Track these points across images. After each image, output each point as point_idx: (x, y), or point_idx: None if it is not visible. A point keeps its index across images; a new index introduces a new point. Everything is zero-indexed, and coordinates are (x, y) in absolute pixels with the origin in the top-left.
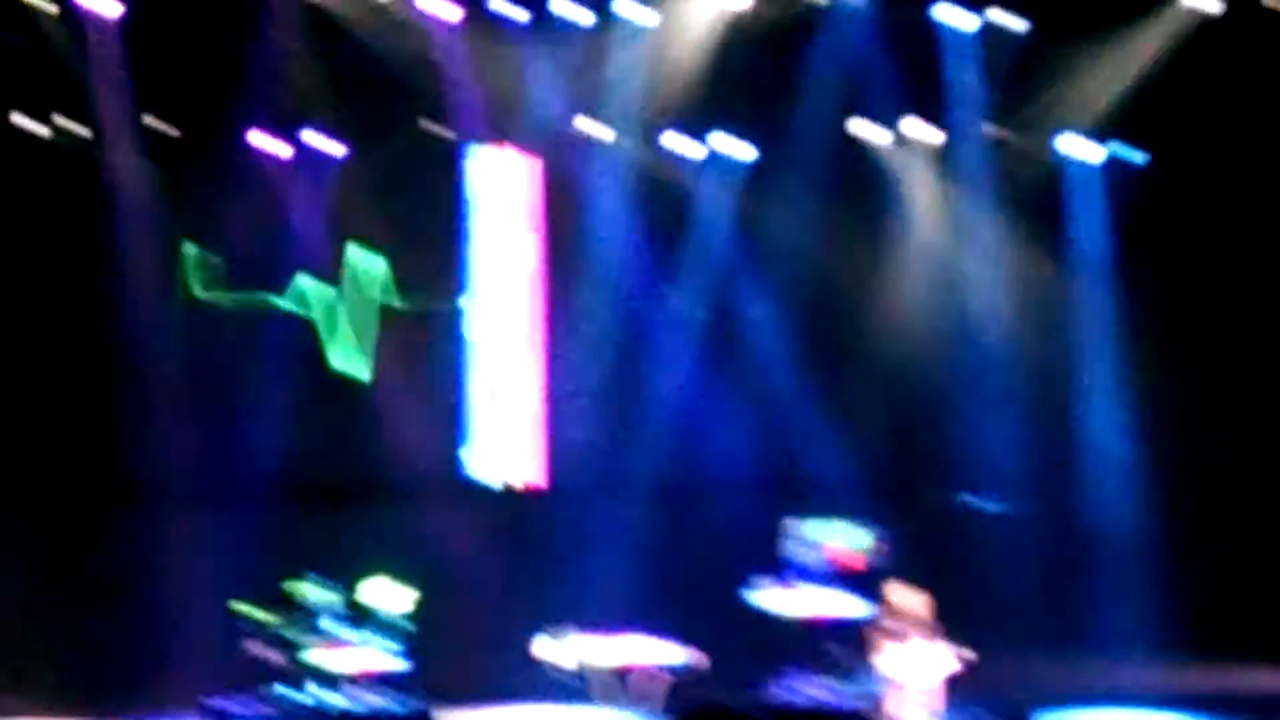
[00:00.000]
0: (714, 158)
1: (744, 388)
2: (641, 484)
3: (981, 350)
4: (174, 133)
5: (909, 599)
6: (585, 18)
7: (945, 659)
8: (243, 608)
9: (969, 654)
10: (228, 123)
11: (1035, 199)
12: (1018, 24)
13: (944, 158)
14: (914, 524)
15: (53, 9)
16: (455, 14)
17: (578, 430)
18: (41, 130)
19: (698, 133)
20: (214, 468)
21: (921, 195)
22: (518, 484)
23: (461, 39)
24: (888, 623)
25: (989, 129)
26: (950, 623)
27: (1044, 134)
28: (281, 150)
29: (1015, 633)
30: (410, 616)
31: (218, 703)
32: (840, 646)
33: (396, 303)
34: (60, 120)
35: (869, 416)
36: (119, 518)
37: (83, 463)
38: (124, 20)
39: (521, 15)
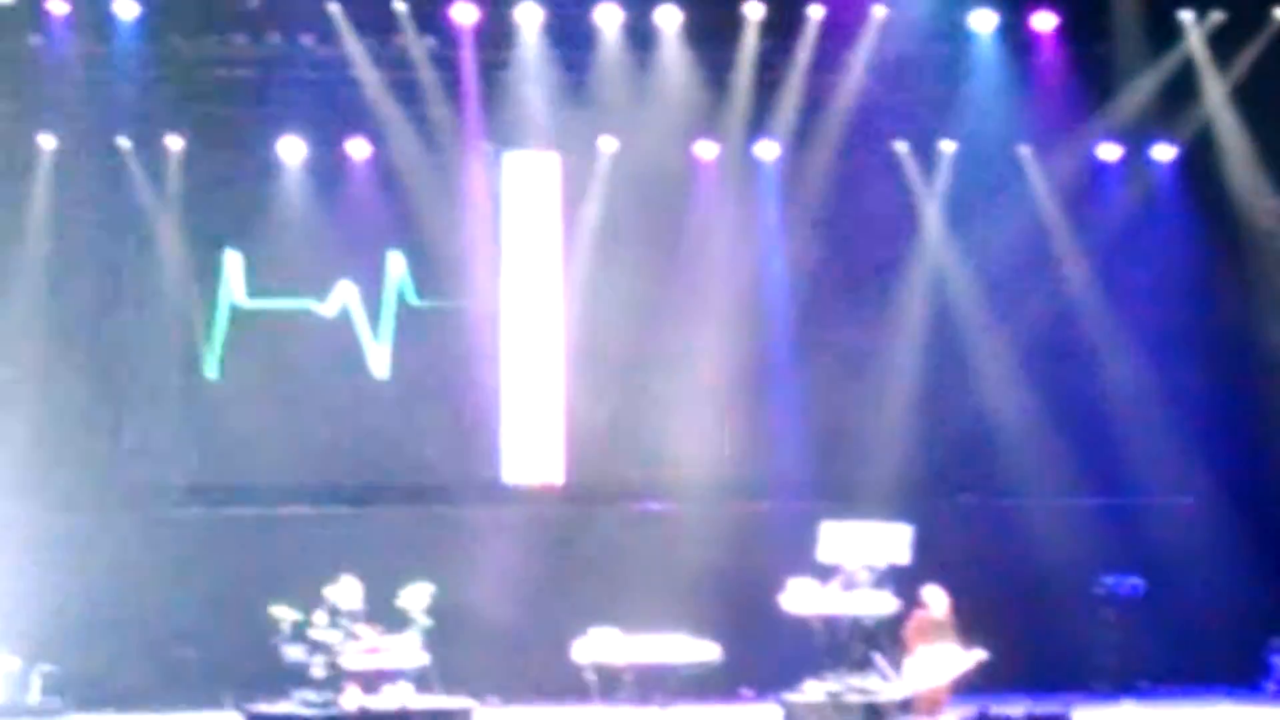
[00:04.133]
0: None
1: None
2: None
3: None
4: (203, 141)
5: (941, 601)
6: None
7: (965, 657)
8: (280, 611)
9: (983, 652)
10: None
11: None
12: None
13: None
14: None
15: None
16: (470, 15)
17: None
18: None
19: None
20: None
21: None
22: (548, 483)
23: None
24: (924, 625)
25: None
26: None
27: None
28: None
29: None
30: (446, 617)
31: (258, 706)
32: (870, 644)
33: (427, 304)
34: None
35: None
36: (153, 516)
37: (124, 460)
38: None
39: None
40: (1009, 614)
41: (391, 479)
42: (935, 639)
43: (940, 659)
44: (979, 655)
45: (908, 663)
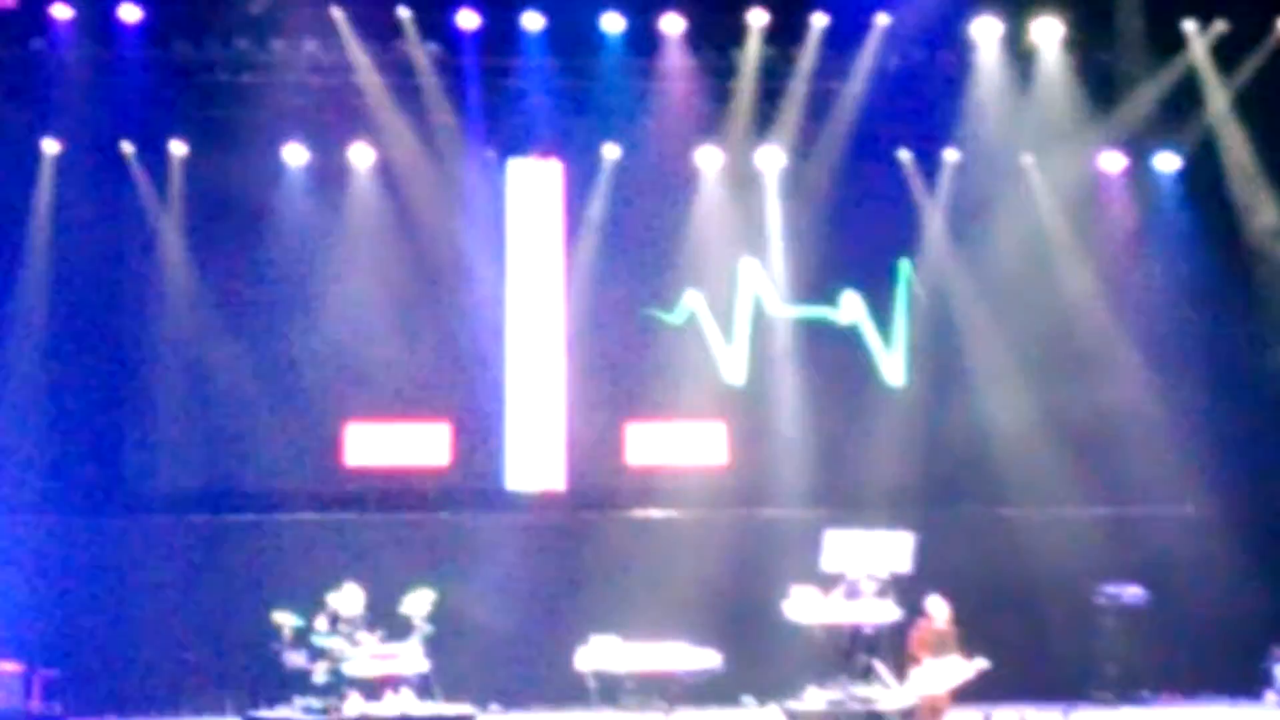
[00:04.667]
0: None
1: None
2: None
3: None
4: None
5: (944, 610)
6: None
7: (967, 667)
8: (282, 617)
9: (985, 662)
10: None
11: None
12: None
13: None
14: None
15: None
16: (474, 21)
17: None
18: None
19: None
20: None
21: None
22: (550, 489)
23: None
24: (927, 634)
25: None
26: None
27: None
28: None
29: None
30: (448, 624)
31: (259, 712)
32: (871, 653)
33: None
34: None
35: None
36: (155, 522)
37: (126, 465)
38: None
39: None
40: (1011, 622)
41: (393, 484)
42: (940, 650)
43: (944, 669)
44: (981, 664)
45: (913, 673)
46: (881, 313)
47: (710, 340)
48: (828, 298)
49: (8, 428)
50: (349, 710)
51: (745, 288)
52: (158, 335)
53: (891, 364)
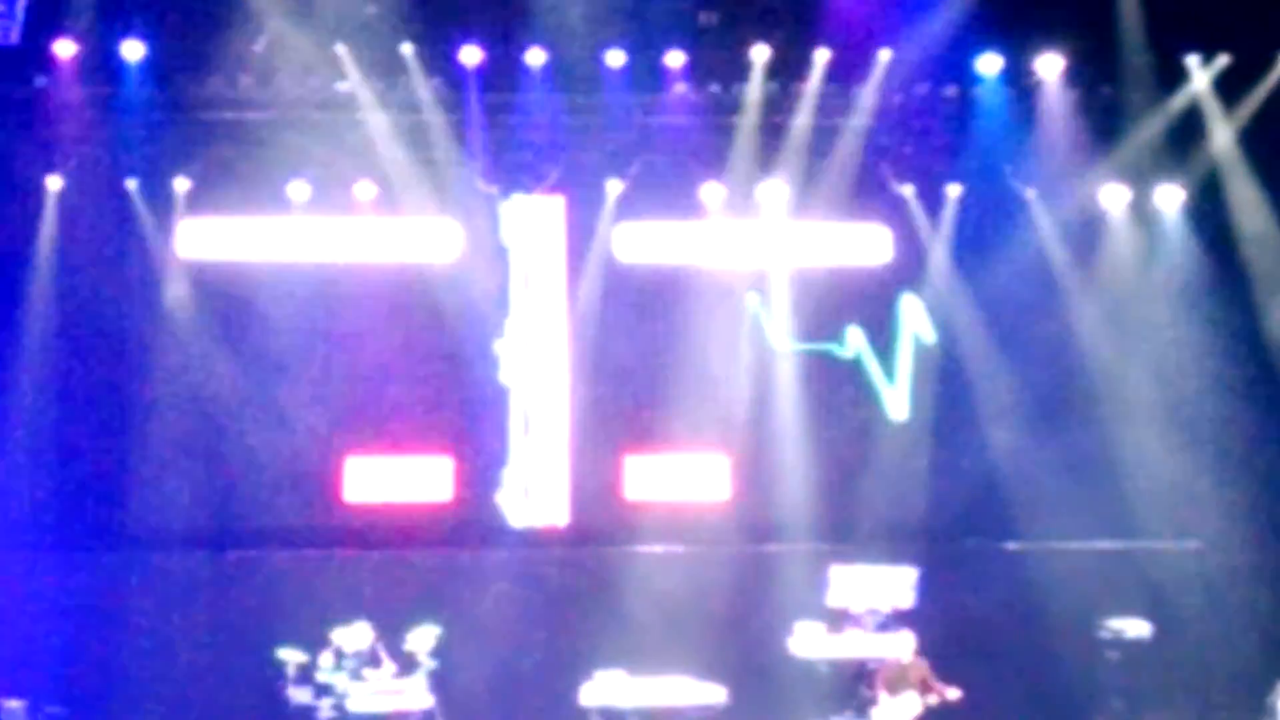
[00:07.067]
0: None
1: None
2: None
3: None
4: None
5: (907, 647)
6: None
7: (918, 703)
8: (286, 653)
9: (954, 692)
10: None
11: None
12: None
13: None
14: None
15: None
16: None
17: None
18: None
19: None
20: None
21: None
22: (553, 525)
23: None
24: (890, 670)
25: None
26: None
27: None
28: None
29: None
30: (452, 660)
31: None
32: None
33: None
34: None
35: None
36: (158, 559)
37: (131, 502)
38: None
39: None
40: (1015, 657)
41: (394, 521)
42: (895, 687)
43: (898, 707)
44: (949, 694)
45: (873, 713)
46: (884, 347)
47: (714, 374)
48: (831, 332)
49: (10, 464)
50: None
51: (750, 321)
52: (160, 371)
53: (895, 398)
